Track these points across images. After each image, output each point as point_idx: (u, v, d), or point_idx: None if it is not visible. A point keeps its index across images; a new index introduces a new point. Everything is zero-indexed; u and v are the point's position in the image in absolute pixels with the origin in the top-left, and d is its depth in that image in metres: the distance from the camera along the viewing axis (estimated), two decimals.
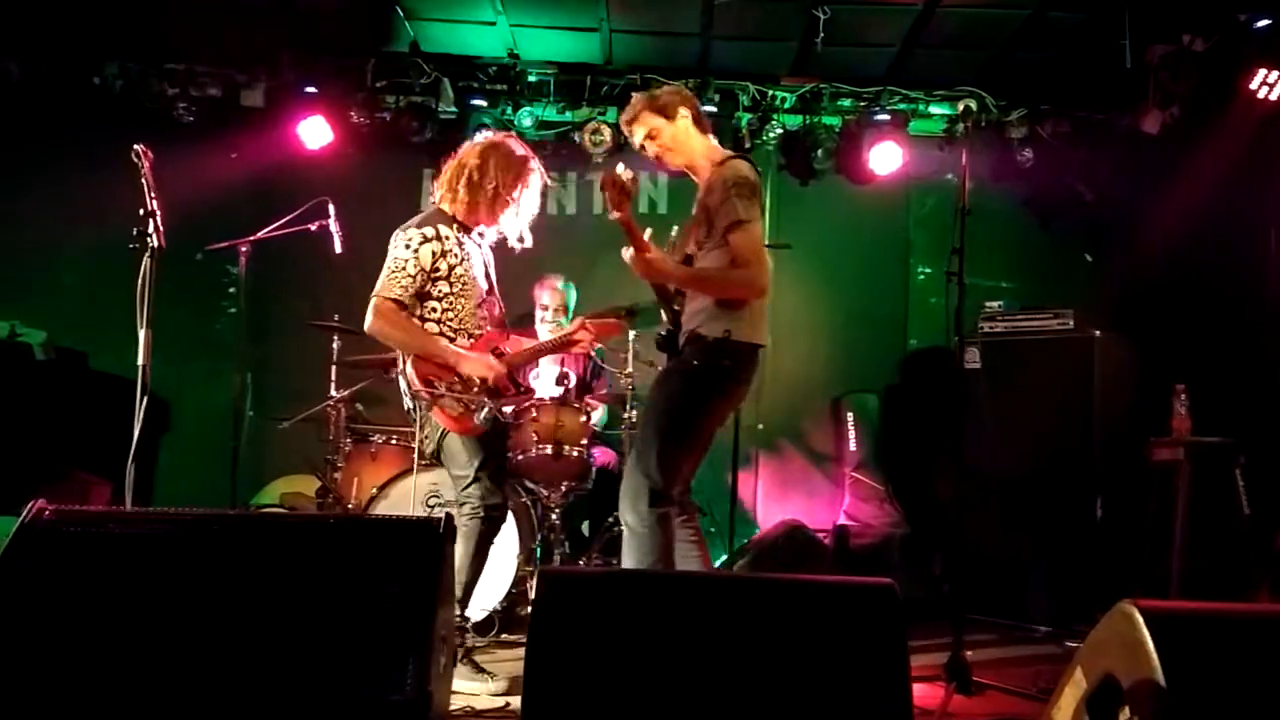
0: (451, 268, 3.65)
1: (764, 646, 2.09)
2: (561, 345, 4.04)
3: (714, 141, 3.71)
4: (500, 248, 4.00)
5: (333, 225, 4.63)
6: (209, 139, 5.96)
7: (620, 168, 3.35)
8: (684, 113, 3.58)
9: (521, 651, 4.11)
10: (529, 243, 3.88)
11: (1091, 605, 4.54)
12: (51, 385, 5.24)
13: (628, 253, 3.44)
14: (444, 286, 3.65)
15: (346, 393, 5.01)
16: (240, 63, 5.97)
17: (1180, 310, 5.50)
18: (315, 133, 5.96)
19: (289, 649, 2.02)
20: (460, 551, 3.56)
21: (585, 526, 5.55)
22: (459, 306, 3.68)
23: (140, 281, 3.18)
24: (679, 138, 3.59)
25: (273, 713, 1.96)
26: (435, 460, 3.84)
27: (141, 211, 3.21)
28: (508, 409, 3.79)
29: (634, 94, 3.73)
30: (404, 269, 3.58)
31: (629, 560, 3.33)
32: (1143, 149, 5.70)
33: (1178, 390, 4.70)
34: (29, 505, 2.19)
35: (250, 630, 2.05)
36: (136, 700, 1.95)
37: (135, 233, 3.17)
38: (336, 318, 5.13)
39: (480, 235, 3.85)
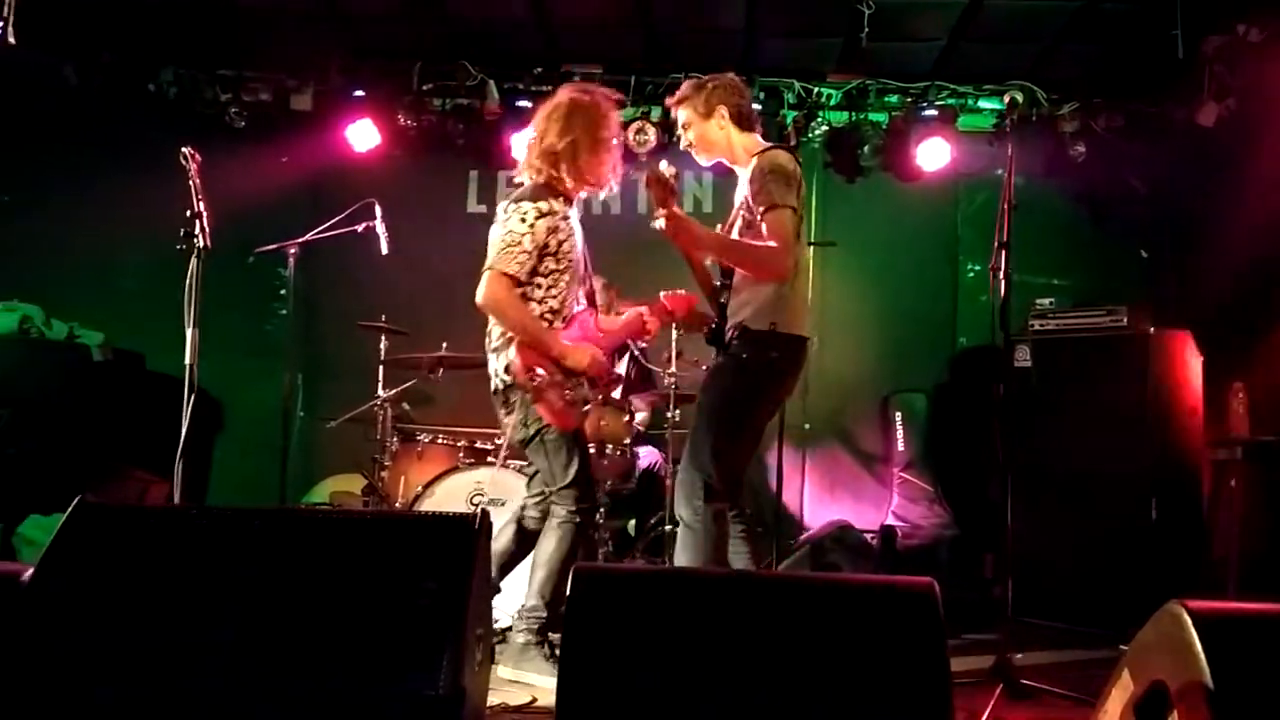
0: (560, 243, 3.46)
1: (800, 646, 2.07)
2: (635, 330, 3.79)
3: (759, 138, 3.68)
4: None
5: (379, 227, 4.66)
6: (260, 143, 6.08)
7: (663, 164, 3.33)
8: (723, 112, 3.55)
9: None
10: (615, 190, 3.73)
11: (1147, 608, 4.44)
12: (109, 385, 5.35)
13: (659, 221, 3.33)
14: (551, 263, 3.46)
15: (393, 392, 5.06)
16: (290, 67, 6.07)
17: (1238, 307, 5.36)
18: (363, 135, 6.06)
19: (325, 643, 2.04)
20: (552, 553, 3.49)
21: (631, 526, 5.55)
22: (560, 285, 3.50)
23: (187, 282, 3.24)
24: (709, 136, 3.58)
25: (309, 707, 1.98)
26: (519, 449, 3.64)
27: (189, 213, 3.28)
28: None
29: (689, 79, 3.68)
30: (519, 244, 3.37)
31: (683, 557, 3.31)
32: (1199, 142, 5.57)
33: (1235, 389, 4.60)
34: (74, 501, 2.23)
35: (286, 624, 2.07)
36: (175, 694, 1.98)
37: (182, 233, 3.24)
38: (384, 318, 5.19)
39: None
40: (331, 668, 2.01)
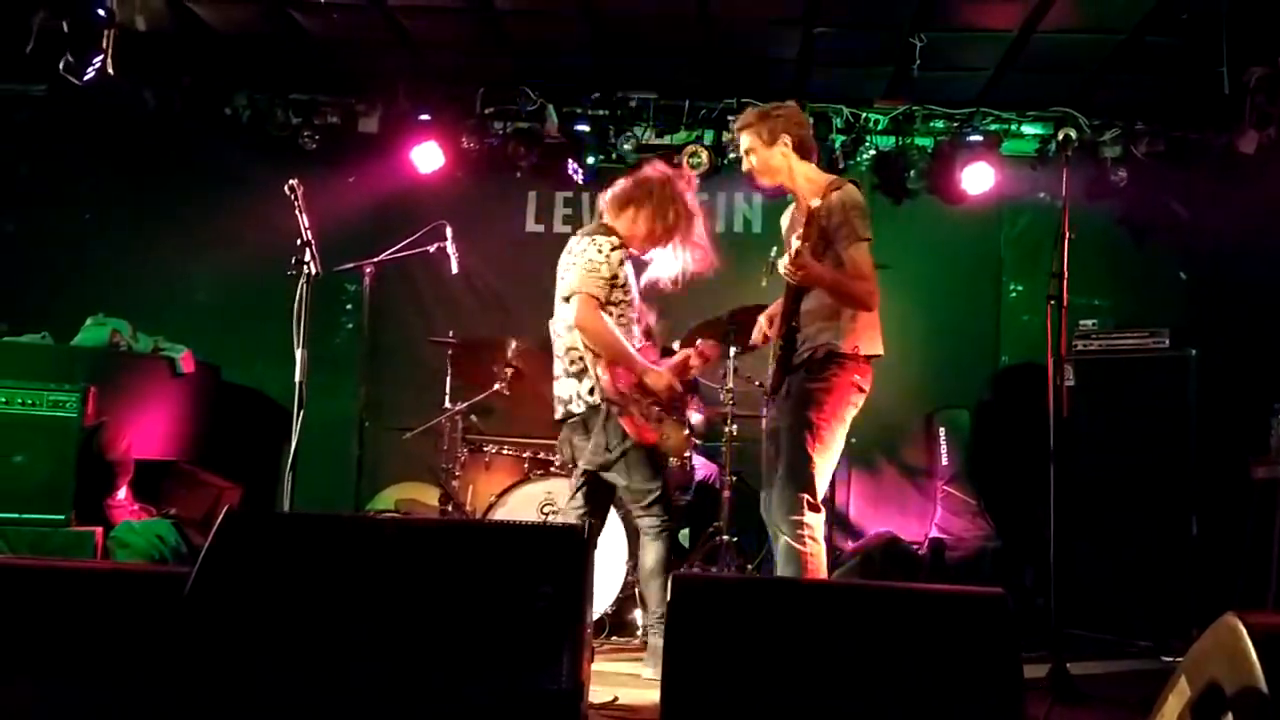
0: (625, 278, 3.87)
1: (885, 652, 2.25)
2: (681, 369, 4.13)
3: (816, 166, 3.86)
4: None
5: (450, 247, 4.87)
6: (329, 164, 6.29)
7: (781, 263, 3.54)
8: (785, 140, 3.73)
9: (629, 652, 4.35)
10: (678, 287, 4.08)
11: (1188, 622, 4.62)
12: (189, 396, 5.59)
13: (784, 263, 3.52)
14: (619, 294, 3.85)
15: (464, 405, 5.26)
16: (359, 92, 6.31)
17: (1277, 329, 5.50)
18: (428, 157, 6.28)
19: (456, 641, 2.25)
20: (663, 559, 3.74)
21: (685, 536, 5.74)
22: (627, 316, 3.88)
23: (296, 305, 3.46)
24: (772, 164, 3.76)
25: (444, 699, 2.19)
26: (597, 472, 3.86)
27: (299, 241, 3.49)
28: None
29: (751, 107, 3.90)
30: (599, 270, 3.78)
31: (787, 571, 3.48)
32: (1239, 168, 5.72)
33: (1276, 409, 4.74)
34: (223, 510, 2.46)
35: (420, 623, 2.28)
36: (326, 686, 2.20)
37: (293, 260, 3.45)
38: (452, 334, 5.40)
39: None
40: (463, 664, 2.22)
